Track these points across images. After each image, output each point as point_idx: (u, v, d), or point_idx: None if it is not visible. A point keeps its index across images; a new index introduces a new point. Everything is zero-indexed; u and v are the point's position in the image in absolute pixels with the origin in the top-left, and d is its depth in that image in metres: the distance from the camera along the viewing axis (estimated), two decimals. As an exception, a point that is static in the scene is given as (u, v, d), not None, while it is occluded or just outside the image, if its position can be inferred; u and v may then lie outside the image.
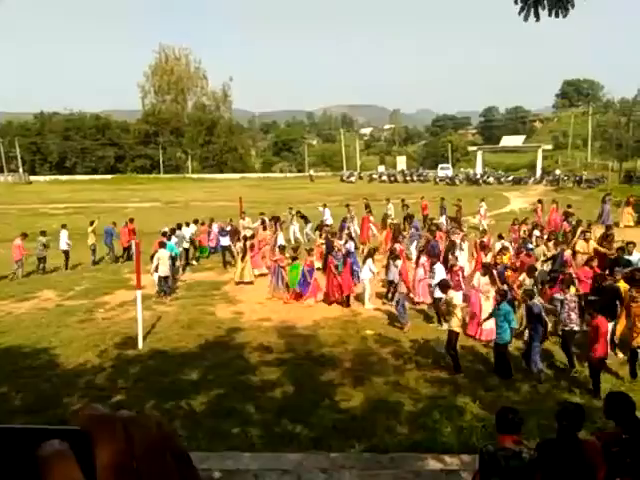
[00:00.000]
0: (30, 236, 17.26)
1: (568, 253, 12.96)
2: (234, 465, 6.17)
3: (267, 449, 6.60)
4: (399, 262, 12.33)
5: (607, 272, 11.11)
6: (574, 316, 8.93)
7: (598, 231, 15.92)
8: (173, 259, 15.09)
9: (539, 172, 51.69)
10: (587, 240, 13.95)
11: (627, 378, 8.51)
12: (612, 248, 13.41)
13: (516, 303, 10.49)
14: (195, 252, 18.45)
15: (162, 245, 14.28)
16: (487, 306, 10.17)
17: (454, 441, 6.64)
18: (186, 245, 17.45)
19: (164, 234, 15.71)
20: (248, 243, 15.48)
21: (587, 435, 4.17)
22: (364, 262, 13.30)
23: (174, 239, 16.12)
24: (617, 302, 9.29)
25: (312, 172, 65.72)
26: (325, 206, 22.58)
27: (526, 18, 4.40)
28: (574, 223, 17.31)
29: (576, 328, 8.89)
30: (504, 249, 13.03)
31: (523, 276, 11.10)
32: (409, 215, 20.00)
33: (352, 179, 57.37)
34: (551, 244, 14.32)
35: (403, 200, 23.33)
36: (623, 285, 9.59)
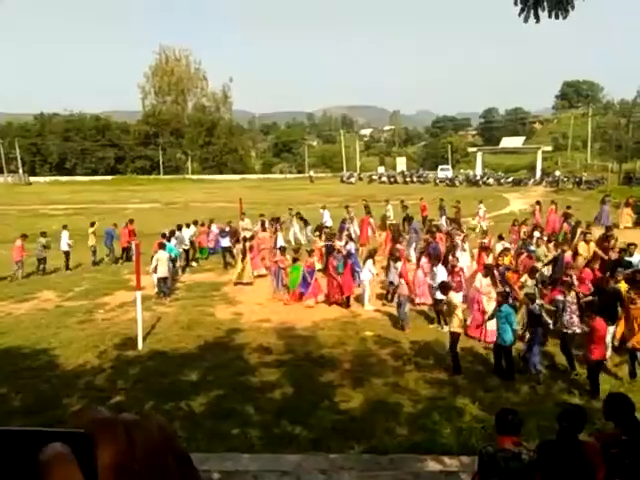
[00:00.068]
0: (30, 237, 17.28)
1: (569, 255, 12.96)
2: (233, 466, 6.17)
3: (266, 450, 6.59)
4: (399, 264, 12.33)
5: (608, 274, 11.10)
6: (576, 319, 8.94)
7: (597, 232, 15.92)
8: (173, 260, 15.10)
9: (539, 173, 51.70)
10: (588, 242, 13.95)
11: (626, 379, 8.52)
12: (613, 249, 13.40)
13: (517, 304, 10.49)
14: (195, 253, 18.44)
15: (161, 246, 14.28)
16: (489, 307, 10.16)
17: (453, 442, 6.64)
18: (186, 246, 17.44)
19: (164, 235, 15.71)
20: (247, 244, 15.49)
21: (586, 436, 4.17)
22: (364, 263, 13.31)
23: (173, 240, 16.12)
24: (618, 305, 9.28)
25: (312, 173, 65.73)
26: (324, 208, 22.58)
27: (526, 19, 4.41)
28: (573, 224, 17.34)
29: (578, 331, 8.89)
30: (506, 250, 13.04)
31: (525, 277, 11.11)
32: (408, 216, 20.00)
33: (352, 180, 57.37)
34: (551, 245, 14.33)
35: (402, 201, 23.31)
36: (623, 286, 9.61)
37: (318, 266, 14.45)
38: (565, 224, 17.96)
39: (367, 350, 10.10)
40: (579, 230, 16.27)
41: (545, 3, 4.37)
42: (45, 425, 0.46)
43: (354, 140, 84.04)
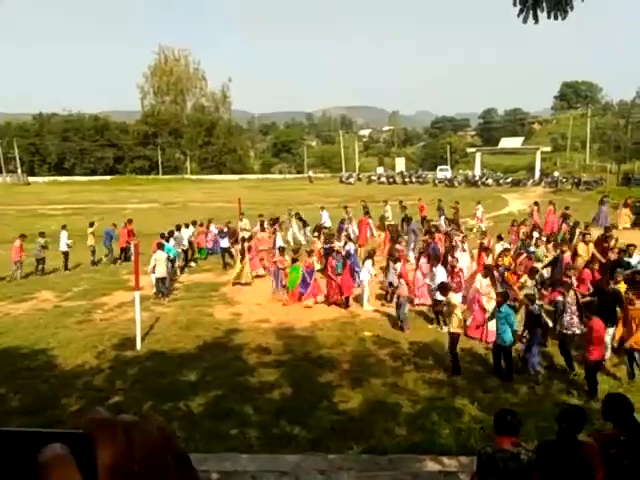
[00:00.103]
0: (29, 237, 17.25)
1: (568, 255, 12.96)
2: (232, 466, 6.17)
3: (265, 450, 6.59)
4: (398, 264, 12.33)
5: (608, 275, 11.09)
6: (576, 319, 8.94)
7: (595, 233, 15.94)
8: (172, 261, 15.08)
9: (538, 174, 51.77)
10: (587, 243, 13.95)
11: (625, 379, 8.53)
12: (612, 250, 13.40)
13: (516, 304, 10.49)
14: (193, 254, 18.43)
15: (160, 246, 14.28)
16: (490, 308, 10.17)
17: (452, 443, 6.64)
18: (184, 247, 17.43)
19: (162, 236, 15.70)
20: (246, 245, 15.49)
21: (585, 437, 4.17)
22: (363, 264, 13.31)
23: (172, 241, 16.10)
24: (618, 306, 9.27)
25: (311, 173, 65.78)
26: (323, 208, 22.57)
27: (525, 20, 4.41)
28: (572, 224, 17.35)
29: (577, 332, 8.89)
30: (506, 251, 13.04)
31: (524, 278, 11.12)
32: (407, 217, 20.00)
33: (351, 180, 57.41)
34: (550, 246, 14.33)
35: (401, 201, 23.30)
36: (622, 287, 9.62)
37: (317, 266, 14.46)
38: (564, 225, 17.97)
39: (366, 350, 10.10)
40: (578, 231, 16.30)
41: (544, 4, 4.37)
42: (44, 426, 0.46)
43: (353, 140, 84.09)
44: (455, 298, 9.50)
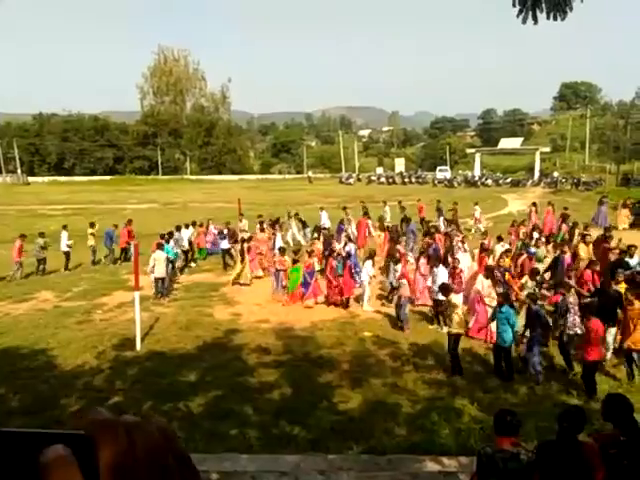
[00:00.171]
0: (29, 237, 17.24)
1: (568, 256, 12.95)
2: (232, 467, 6.16)
3: (265, 451, 6.59)
4: (399, 266, 12.32)
5: (609, 276, 11.07)
6: (578, 320, 8.94)
7: (594, 233, 15.93)
8: (172, 262, 15.08)
9: (537, 174, 51.78)
10: (588, 243, 13.93)
11: (624, 380, 8.53)
12: (612, 250, 13.39)
13: (517, 305, 10.48)
14: (193, 254, 18.41)
15: (159, 246, 14.28)
16: (492, 309, 10.16)
17: (452, 443, 6.64)
18: (184, 247, 17.41)
19: (162, 237, 15.69)
20: (245, 245, 15.48)
21: (585, 437, 4.17)
22: (363, 264, 13.30)
23: (172, 242, 16.05)
24: (618, 308, 9.26)
25: (311, 174, 65.78)
26: (322, 209, 22.57)
27: (524, 21, 4.41)
28: (571, 225, 17.34)
29: (579, 332, 8.89)
30: (507, 252, 13.03)
31: (525, 279, 11.11)
32: (406, 217, 19.99)
33: (350, 181, 57.42)
34: (550, 247, 14.32)
35: (400, 202, 23.31)
36: (622, 287, 9.62)
37: (317, 267, 14.46)
38: (564, 225, 17.96)
39: (366, 351, 10.10)
40: (577, 231, 16.30)
41: (543, 4, 4.37)
42: (44, 426, 0.46)
43: (353, 141, 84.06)
44: (456, 299, 9.50)
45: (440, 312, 10.89)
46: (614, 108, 62.20)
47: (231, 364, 9.43)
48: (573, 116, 72.30)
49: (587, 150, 61.15)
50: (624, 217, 22.67)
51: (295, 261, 13.62)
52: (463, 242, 14.91)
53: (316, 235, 17.66)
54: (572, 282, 10.19)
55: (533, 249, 14.02)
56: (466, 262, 13.55)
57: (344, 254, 13.86)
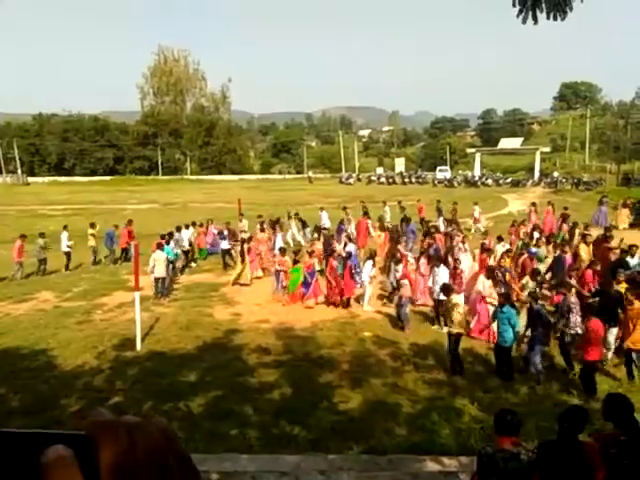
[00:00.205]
0: (29, 238, 17.24)
1: (569, 256, 12.93)
2: (232, 467, 6.16)
3: (265, 451, 6.58)
4: (400, 266, 12.31)
5: (610, 276, 11.06)
6: (579, 320, 8.94)
7: (594, 233, 15.92)
8: (172, 262, 15.07)
9: (537, 174, 51.80)
10: (588, 244, 13.92)
11: (624, 380, 8.53)
12: (613, 250, 13.38)
13: (518, 305, 10.47)
14: (193, 254, 18.41)
15: (159, 246, 14.28)
16: (492, 309, 10.15)
17: (452, 443, 6.64)
18: (184, 247, 17.41)
19: (162, 237, 15.68)
20: (245, 246, 15.48)
21: (585, 437, 4.17)
22: (364, 264, 13.30)
23: (172, 243, 16.03)
24: (619, 308, 9.25)
25: (311, 174, 65.79)
26: (322, 209, 22.56)
27: (524, 21, 4.41)
28: (571, 225, 17.33)
29: (580, 332, 8.89)
30: (508, 252, 13.02)
31: (526, 279, 11.10)
32: (406, 217, 19.99)
33: (351, 181, 57.43)
34: (550, 247, 14.31)
35: (400, 202, 23.29)
36: (623, 286, 9.61)
37: (318, 267, 14.45)
38: (564, 225, 17.95)
39: (366, 351, 10.10)
40: (577, 231, 16.29)
41: (543, 4, 4.37)
42: (44, 426, 0.46)
43: (353, 141, 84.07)
44: (457, 299, 9.50)
45: (443, 313, 10.88)
46: (614, 108, 62.23)
47: (231, 364, 9.43)
48: (573, 116, 72.32)
49: (587, 150, 61.18)
50: (624, 217, 22.67)
51: (296, 261, 13.61)
52: (463, 242, 14.90)
53: (316, 235, 17.65)
54: (573, 282, 10.17)
55: (534, 249, 14.01)
56: (466, 262, 13.54)
57: (344, 254, 13.86)
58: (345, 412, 7.58)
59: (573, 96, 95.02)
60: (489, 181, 50.00)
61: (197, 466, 0.47)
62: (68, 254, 17.54)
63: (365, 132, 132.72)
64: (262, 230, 18.11)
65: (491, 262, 12.55)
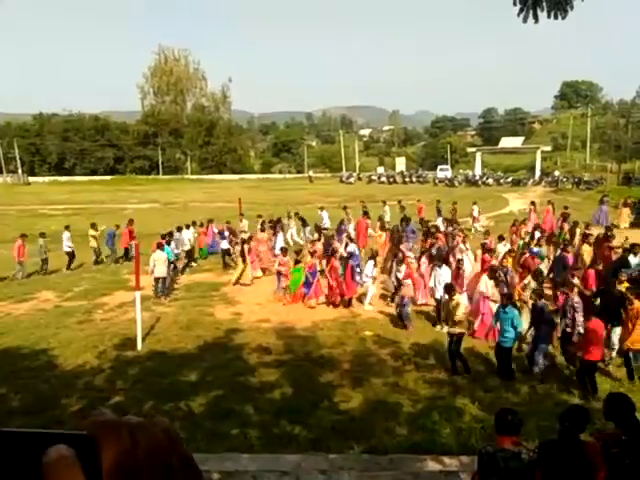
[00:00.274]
0: (29, 237, 17.23)
1: (570, 256, 12.91)
2: (233, 466, 6.17)
3: (266, 450, 6.59)
4: (403, 267, 12.30)
5: (612, 276, 11.05)
6: (582, 319, 8.93)
7: (595, 232, 15.91)
8: (173, 262, 15.07)
9: (538, 173, 51.80)
10: (590, 244, 13.91)
11: (625, 380, 8.52)
12: (614, 249, 13.36)
13: (519, 305, 10.45)
14: (194, 254, 18.40)
15: (160, 246, 14.28)
16: (495, 308, 10.14)
17: (453, 442, 6.64)
18: (185, 247, 17.41)
19: (163, 237, 15.68)
20: (246, 246, 15.48)
21: (586, 436, 4.16)
22: (365, 264, 13.29)
23: (172, 244, 16.02)
24: (621, 308, 9.23)
25: (311, 173, 65.81)
26: (322, 209, 22.54)
27: (525, 20, 4.40)
28: (572, 224, 17.32)
29: (582, 331, 8.88)
30: (509, 252, 13.00)
31: (528, 279, 11.09)
32: (406, 217, 19.97)
33: (351, 180, 57.42)
34: (551, 247, 14.29)
35: (400, 201, 23.27)
36: (624, 286, 9.60)
37: (319, 267, 14.44)
38: (565, 224, 17.94)
39: (367, 350, 10.10)
40: (578, 230, 16.27)
41: (544, 3, 4.37)
42: (44, 426, 0.46)
43: (353, 140, 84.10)
44: (460, 298, 9.48)
45: (445, 313, 10.86)
46: (615, 107, 62.16)
47: (232, 364, 9.43)
48: (574, 115, 72.30)
49: (588, 149, 61.14)
50: (625, 216, 22.67)
51: (297, 261, 13.61)
52: (464, 242, 14.89)
53: (317, 235, 17.64)
54: (575, 281, 10.16)
55: (535, 248, 13.99)
56: (467, 262, 13.53)
57: (345, 255, 13.84)
58: (346, 411, 7.58)
59: (574, 95, 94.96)
60: (490, 180, 50.00)
61: (198, 466, 0.47)
62: (69, 254, 17.54)
63: (366, 131, 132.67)
64: (262, 230, 18.10)
65: (494, 262, 12.54)
